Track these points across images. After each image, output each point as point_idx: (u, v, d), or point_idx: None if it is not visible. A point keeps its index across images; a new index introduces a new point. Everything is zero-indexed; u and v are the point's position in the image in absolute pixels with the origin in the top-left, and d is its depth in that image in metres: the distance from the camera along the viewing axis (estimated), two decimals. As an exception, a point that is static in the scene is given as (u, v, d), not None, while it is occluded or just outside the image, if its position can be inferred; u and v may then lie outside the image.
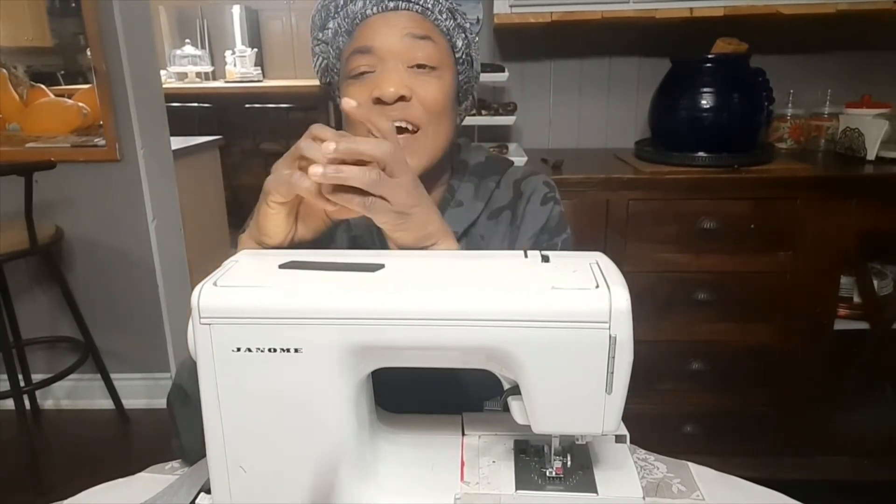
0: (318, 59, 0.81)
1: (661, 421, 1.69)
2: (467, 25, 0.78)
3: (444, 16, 0.75)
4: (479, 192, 0.80)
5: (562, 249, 0.80)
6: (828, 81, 1.88)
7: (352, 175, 0.52)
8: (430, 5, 0.74)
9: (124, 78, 2.01)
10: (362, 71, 0.71)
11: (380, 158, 0.54)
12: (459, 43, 0.77)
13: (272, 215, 0.56)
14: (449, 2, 0.76)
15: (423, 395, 0.70)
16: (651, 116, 1.79)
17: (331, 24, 0.78)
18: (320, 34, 0.79)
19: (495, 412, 0.71)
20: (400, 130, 0.70)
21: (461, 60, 0.78)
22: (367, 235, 0.78)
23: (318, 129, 0.54)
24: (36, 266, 2.18)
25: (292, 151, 0.54)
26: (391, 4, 0.72)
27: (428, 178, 0.72)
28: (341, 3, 0.76)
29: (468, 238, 0.78)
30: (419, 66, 0.71)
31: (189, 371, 0.66)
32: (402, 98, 0.69)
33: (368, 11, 0.73)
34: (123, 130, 2.06)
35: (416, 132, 0.71)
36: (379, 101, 0.69)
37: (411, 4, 0.73)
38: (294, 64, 4.51)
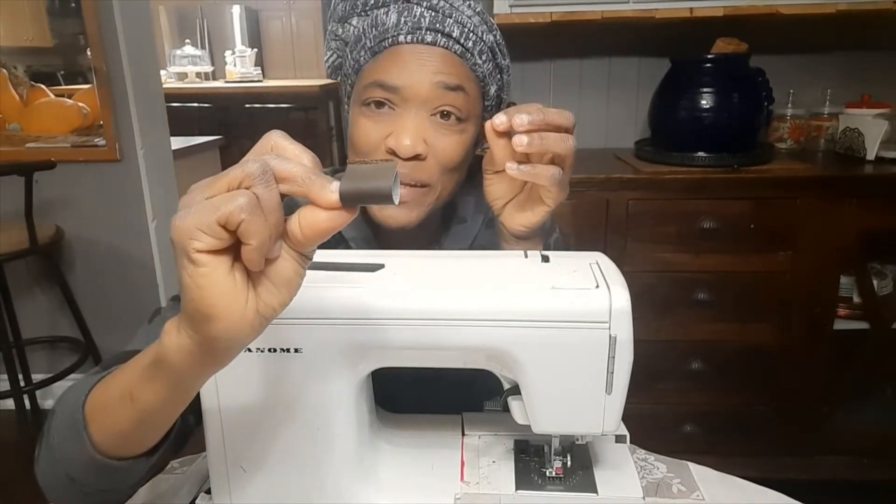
0: (332, 55, 0.75)
1: (661, 421, 1.69)
2: (506, 64, 0.72)
3: (484, 58, 0.67)
4: (478, 205, 0.78)
5: (553, 249, 0.79)
6: (828, 81, 1.88)
7: (553, 141, 0.53)
8: (470, 44, 0.66)
9: (124, 78, 2.01)
10: (380, 102, 0.65)
11: (570, 127, 0.55)
12: (493, 90, 0.70)
13: (204, 276, 0.33)
14: (493, 35, 0.69)
15: (422, 395, 0.70)
16: (651, 116, 1.79)
17: (354, 23, 0.71)
18: (339, 29, 0.72)
19: (495, 412, 0.71)
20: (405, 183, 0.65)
21: (489, 108, 0.71)
22: (364, 242, 0.77)
23: (279, 138, 0.37)
24: (36, 266, 2.18)
25: (227, 178, 0.33)
26: (428, 37, 0.64)
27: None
28: (371, 2, 0.69)
29: None
30: (444, 115, 0.65)
31: (88, 468, 0.48)
32: (416, 156, 0.64)
33: (401, 38, 0.64)
34: (123, 130, 2.06)
35: (423, 187, 0.66)
36: (392, 153, 0.64)
37: (451, 42, 0.65)
38: (294, 64, 4.51)
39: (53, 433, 0.50)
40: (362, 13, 0.70)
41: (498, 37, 0.70)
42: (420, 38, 0.64)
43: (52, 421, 0.51)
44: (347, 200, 0.34)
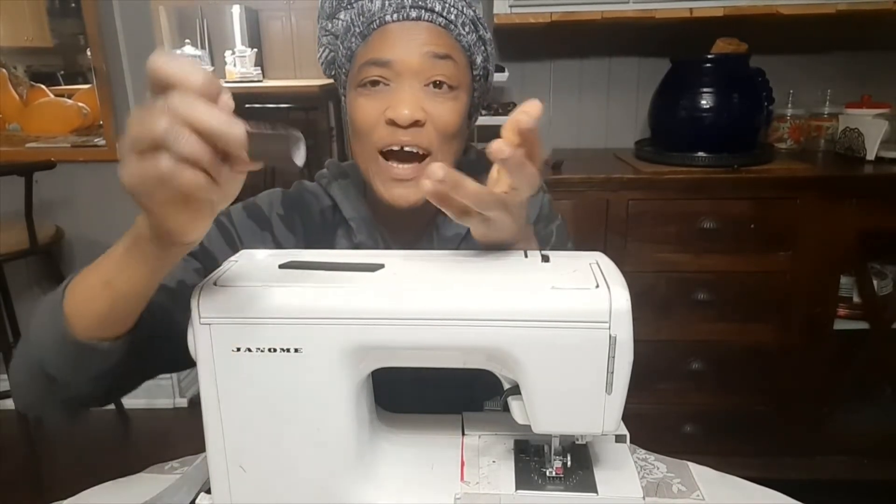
0: (324, 50, 0.77)
1: (661, 421, 1.69)
2: (488, 37, 0.75)
3: (467, 29, 0.71)
4: None
5: (557, 235, 0.81)
6: (828, 81, 1.88)
7: (526, 175, 0.51)
8: (453, 17, 0.69)
9: (124, 78, 2.01)
10: (375, 80, 0.68)
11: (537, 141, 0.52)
12: (479, 60, 0.73)
13: (155, 209, 0.41)
14: (473, 10, 0.73)
15: (423, 395, 0.70)
16: (651, 116, 1.79)
17: (342, 16, 0.74)
18: (329, 24, 0.75)
19: (495, 412, 0.71)
20: (409, 156, 0.68)
21: (477, 77, 0.74)
22: (371, 243, 0.77)
23: (163, 65, 0.39)
24: (36, 266, 2.18)
25: (144, 140, 0.39)
26: (413, 14, 0.68)
27: None
28: None
29: (467, 243, 0.78)
30: (436, 85, 0.68)
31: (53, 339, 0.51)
32: (415, 123, 0.66)
33: (388, 18, 0.68)
34: (123, 130, 2.06)
35: (425, 156, 0.69)
36: (392, 123, 0.67)
37: (434, 16, 0.69)
38: (294, 64, 4.50)
39: (32, 326, 0.54)
40: (348, 6, 0.73)
41: (478, 11, 0.74)
42: (406, 14, 0.68)
43: (33, 318, 0.55)
44: (257, 158, 0.40)
